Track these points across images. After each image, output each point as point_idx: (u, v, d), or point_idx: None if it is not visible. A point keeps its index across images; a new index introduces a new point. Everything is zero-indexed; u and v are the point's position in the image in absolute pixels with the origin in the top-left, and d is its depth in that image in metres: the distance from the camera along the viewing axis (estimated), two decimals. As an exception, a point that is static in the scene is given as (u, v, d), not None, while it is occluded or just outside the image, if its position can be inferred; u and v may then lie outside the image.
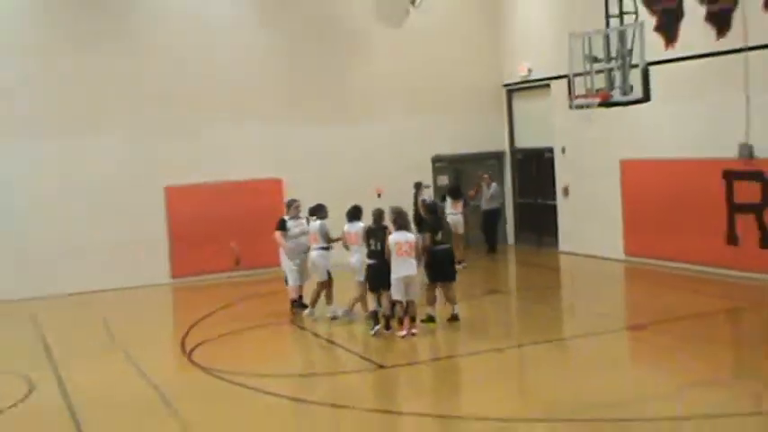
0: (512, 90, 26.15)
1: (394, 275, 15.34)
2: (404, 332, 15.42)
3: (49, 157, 21.67)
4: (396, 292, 15.43)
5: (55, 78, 21.73)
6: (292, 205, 17.95)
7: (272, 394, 12.61)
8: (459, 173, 25.16)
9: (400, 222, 15.75)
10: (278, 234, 17.56)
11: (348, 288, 17.13)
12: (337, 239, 17.19)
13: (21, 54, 21.38)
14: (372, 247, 15.79)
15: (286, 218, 17.74)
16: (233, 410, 12.13)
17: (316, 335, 16.50)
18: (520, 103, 26.12)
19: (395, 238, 15.46)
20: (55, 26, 21.84)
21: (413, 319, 15.62)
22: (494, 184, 25.07)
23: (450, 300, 16.30)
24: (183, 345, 16.02)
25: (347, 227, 16.81)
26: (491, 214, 25.06)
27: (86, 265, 21.71)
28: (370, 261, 15.86)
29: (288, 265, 17.66)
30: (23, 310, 19.87)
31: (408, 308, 15.55)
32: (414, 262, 15.45)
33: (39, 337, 17.41)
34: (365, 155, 24.23)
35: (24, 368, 14.64)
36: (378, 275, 15.73)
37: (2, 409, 12.44)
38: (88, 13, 22.07)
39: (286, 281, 17.93)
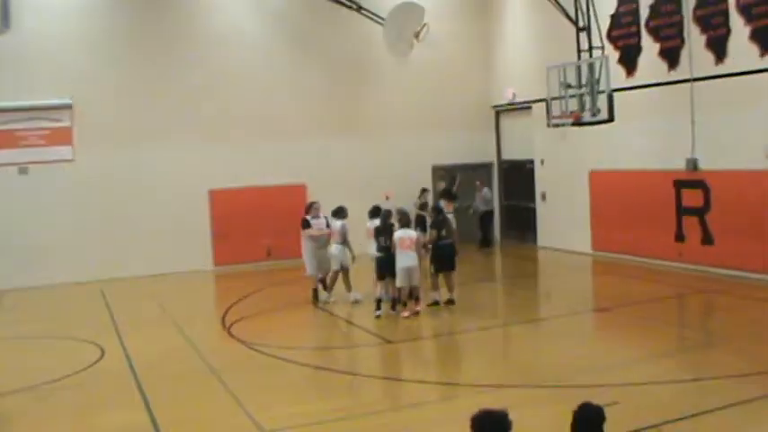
0: (499, 111, 26.14)
1: (398, 265, 15.43)
2: (406, 313, 15.49)
3: (117, 162, 21.86)
4: (400, 280, 15.53)
5: (123, 97, 21.96)
6: (313, 206, 17.71)
7: (297, 363, 12.69)
8: (453, 179, 25.34)
9: (404, 221, 15.88)
10: (305, 231, 17.42)
11: (362, 276, 17.32)
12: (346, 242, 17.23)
13: (94, 74, 21.71)
14: (382, 243, 15.93)
15: (308, 217, 17.51)
16: (266, 376, 12.27)
17: (334, 315, 16.50)
18: (506, 122, 26.13)
19: (399, 234, 15.57)
20: (119, 51, 22.06)
21: (417, 300, 15.68)
22: (485, 189, 25.21)
23: (450, 286, 16.39)
24: (223, 321, 16.12)
25: (369, 223, 16.90)
26: (485, 215, 25.15)
27: (145, 254, 21.92)
28: (379, 254, 15.96)
29: (309, 258, 17.51)
30: (94, 289, 20.06)
31: (412, 291, 15.65)
32: (414, 255, 15.47)
33: (107, 313, 17.55)
34: (376, 164, 24.25)
35: (96, 337, 14.82)
36: (384, 266, 15.87)
37: (79, 370, 12.69)
38: (149, 36, 22.30)
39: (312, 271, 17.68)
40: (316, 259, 17.43)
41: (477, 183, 25.32)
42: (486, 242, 25.03)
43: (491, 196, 25.55)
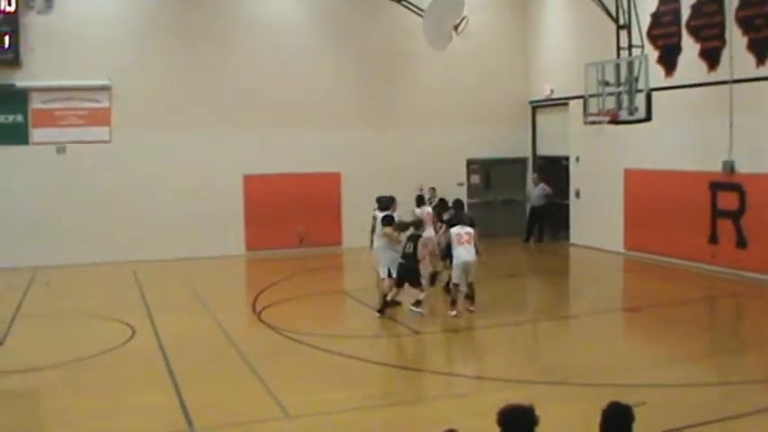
0: (536, 106, 25.99)
1: (456, 260, 14.95)
2: (454, 312, 14.97)
3: (154, 144, 22.03)
4: (456, 275, 15.05)
5: (161, 81, 22.13)
6: (394, 202, 16.29)
7: (326, 350, 12.72)
8: (488, 173, 25.30)
9: (457, 218, 15.80)
10: (390, 230, 15.54)
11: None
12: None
13: (134, 57, 21.91)
14: (407, 250, 15.17)
15: (394, 215, 15.90)
16: (294, 362, 12.35)
17: (363, 304, 16.29)
18: (542, 118, 25.97)
19: (456, 230, 15.09)
20: (158, 35, 22.22)
21: (472, 300, 15.19)
22: (541, 185, 24.76)
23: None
24: (253, 306, 16.20)
25: (446, 215, 16.48)
26: (537, 210, 24.75)
27: (178, 237, 22.05)
28: (403, 260, 15.19)
29: (392, 257, 15.50)
30: (126, 270, 20.21)
31: (469, 289, 15.18)
32: (473, 249, 14.96)
33: (139, 294, 17.70)
34: (411, 155, 24.10)
35: (127, 317, 14.96)
36: (407, 273, 15.18)
37: (110, 348, 12.87)
38: (189, 21, 22.41)
39: (389, 273, 15.45)
40: (390, 257, 15.65)
41: (534, 176, 25.26)
42: (528, 238, 24.74)
43: (545, 192, 24.75)
